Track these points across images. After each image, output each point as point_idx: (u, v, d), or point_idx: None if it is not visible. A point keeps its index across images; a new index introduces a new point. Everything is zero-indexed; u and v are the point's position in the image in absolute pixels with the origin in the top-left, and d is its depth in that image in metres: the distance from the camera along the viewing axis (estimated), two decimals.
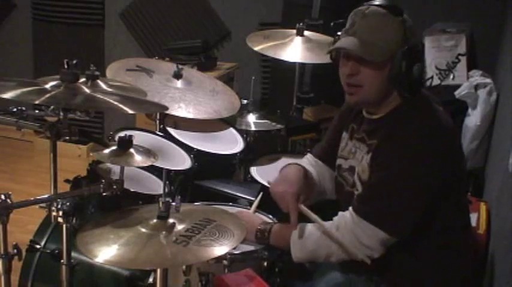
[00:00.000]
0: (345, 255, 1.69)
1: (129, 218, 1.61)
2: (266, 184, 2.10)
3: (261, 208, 2.09)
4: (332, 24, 1.74)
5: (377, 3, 1.66)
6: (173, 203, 1.58)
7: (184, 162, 2.33)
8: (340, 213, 1.74)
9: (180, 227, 1.53)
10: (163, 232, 1.50)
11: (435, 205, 1.66)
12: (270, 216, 2.03)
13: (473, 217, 2.13)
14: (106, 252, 1.45)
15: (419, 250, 1.72)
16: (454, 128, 1.74)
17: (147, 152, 1.75)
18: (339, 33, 1.72)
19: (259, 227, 1.83)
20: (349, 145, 1.82)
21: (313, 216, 1.76)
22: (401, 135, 1.64)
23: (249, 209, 2.05)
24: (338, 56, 1.73)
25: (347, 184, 1.81)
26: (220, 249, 1.48)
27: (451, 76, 3.18)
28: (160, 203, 1.53)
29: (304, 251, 1.74)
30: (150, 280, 1.84)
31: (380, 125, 1.71)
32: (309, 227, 1.76)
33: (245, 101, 2.74)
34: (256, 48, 2.73)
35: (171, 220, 1.54)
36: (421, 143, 1.62)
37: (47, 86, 1.63)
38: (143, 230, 1.52)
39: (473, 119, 2.92)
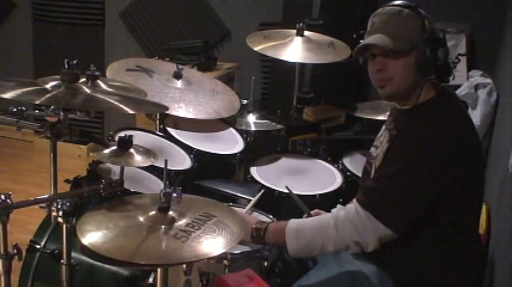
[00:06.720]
0: (340, 247, 1.69)
1: (130, 210, 1.60)
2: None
3: (261, 208, 2.09)
4: (354, 36, 1.83)
5: (390, 4, 1.75)
6: (174, 195, 1.56)
7: (184, 162, 2.33)
8: (338, 205, 1.78)
9: (180, 221, 1.52)
10: (164, 226, 1.49)
11: (444, 204, 1.67)
12: (270, 216, 2.04)
13: None
14: (105, 243, 1.44)
15: (423, 246, 1.72)
16: (472, 131, 1.76)
17: (147, 152, 1.75)
18: (362, 41, 1.78)
19: (255, 226, 1.81)
20: (382, 134, 1.89)
21: (299, 201, 1.95)
22: (416, 130, 1.67)
23: (243, 209, 2.06)
24: (363, 58, 1.80)
25: (372, 170, 1.85)
26: (219, 248, 1.48)
27: (451, 76, 3.17)
28: (161, 194, 1.52)
29: (300, 243, 1.73)
30: (150, 280, 1.83)
31: (403, 117, 1.77)
32: (305, 219, 1.78)
33: (245, 101, 2.74)
34: (256, 48, 2.72)
35: (171, 213, 1.53)
36: (434, 140, 1.64)
37: (47, 86, 1.63)
38: (143, 221, 1.51)
39: (473, 119, 2.89)
